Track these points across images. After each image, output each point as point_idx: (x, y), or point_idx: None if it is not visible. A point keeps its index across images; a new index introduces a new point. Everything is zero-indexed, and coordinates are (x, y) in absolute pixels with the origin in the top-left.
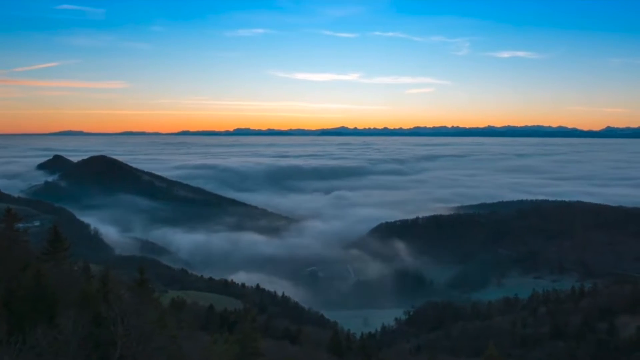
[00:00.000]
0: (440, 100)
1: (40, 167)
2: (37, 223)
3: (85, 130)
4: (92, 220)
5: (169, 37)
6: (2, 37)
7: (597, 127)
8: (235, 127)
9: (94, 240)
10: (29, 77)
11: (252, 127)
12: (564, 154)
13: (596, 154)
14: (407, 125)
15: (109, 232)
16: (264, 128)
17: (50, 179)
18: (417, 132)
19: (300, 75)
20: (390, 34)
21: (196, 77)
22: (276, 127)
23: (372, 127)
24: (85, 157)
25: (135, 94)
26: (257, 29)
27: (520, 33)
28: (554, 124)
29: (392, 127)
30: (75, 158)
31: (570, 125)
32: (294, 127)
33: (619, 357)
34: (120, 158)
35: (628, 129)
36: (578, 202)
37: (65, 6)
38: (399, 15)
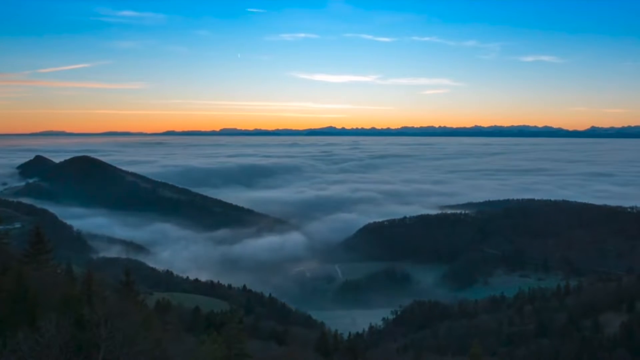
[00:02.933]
0: (450, 101)
1: (21, 167)
2: (18, 225)
3: (67, 130)
4: (74, 221)
5: (210, 40)
6: (42, 39)
7: (582, 127)
8: (222, 127)
9: (77, 242)
10: (52, 78)
11: (239, 127)
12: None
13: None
14: (395, 125)
15: (93, 234)
16: (251, 128)
17: (31, 179)
18: (404, 132)
19: (319, 77)
20: (427, 38)
21: (215, 81)
22: (263, 128)
23: (359, 127)
24: (67, 158)
25: (145, 95)
26: (300, 33)
27: (543, 37)
28: (540, 124)
29: (379, 127)
30: (57, 158)
31: (555, 125)
32: (281, 128)
33: (603, 354)
34: (102, 158)
35: (612, 128)
36: (563, 201)
37: (126, 12)
38: (438, 22)
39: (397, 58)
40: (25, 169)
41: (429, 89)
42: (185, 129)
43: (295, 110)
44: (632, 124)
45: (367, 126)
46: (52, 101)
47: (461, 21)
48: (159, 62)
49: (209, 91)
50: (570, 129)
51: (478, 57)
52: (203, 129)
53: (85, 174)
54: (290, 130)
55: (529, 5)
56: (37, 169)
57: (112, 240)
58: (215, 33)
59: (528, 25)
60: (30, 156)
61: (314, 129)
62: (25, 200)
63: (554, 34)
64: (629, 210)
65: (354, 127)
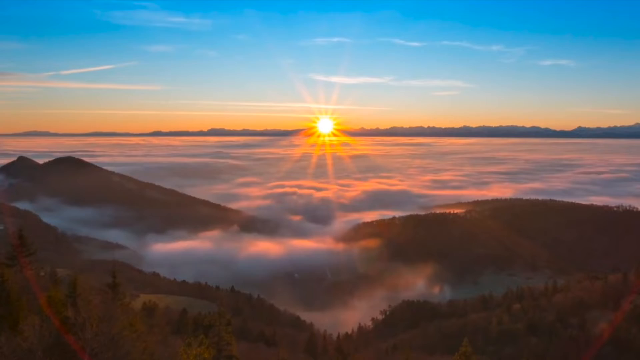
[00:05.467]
0: (453, 103)
1: (3, 169)
2: (0, 227)
3: (51, 130)
4: (59, 223)
5: (244, 45)
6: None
7: (569, 127)
8: (210, 128)
9: (62, 244)
10: (69, 80)
11: (226, 128)
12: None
13: None
14: (385, 125)
15: (77, 236)
16: (239, 128)
17: (14, 180)
18: (393, 132)
19: (336, 79)
20: (457, 43)
21: (225, 83)
22: (252, 128)
23: (349, 128)
24: (51, 159)
25: (153, 96)
26: (334, 37)
27: (560, 41)
28: (528, 124)
29: (368, 128)
30: (41, 159)
31: (543, 125)
32: (269, 128)
33: (590, 351)
34: (86, 159)
35: (599, 129)
36: (551, 200)
37: (178, 18)
38: (470, 27)
39: (419, 61)
40: (8, 170)
41: (439, 90)
42: (172, 129)
43: (295, 110)
44: (619, 124)
45: (357, 127)
46: (50, 102)
47: (491, 26)
48: (184, 65)
49: (213, 92)
50: (558, 129)
51: (499, 61)
52: (190, 129)
53: (69, 175)
54: (279, 130)
55: (556, 8)
56: (21, 169)
57: (97, 242)
58: (253, 37)
59: (549, 30)
60: (13, 156)
61: (303, 129)
62: (8, 202)
63: (567, 37)
64: (615, 209)
65: (346, 129)
